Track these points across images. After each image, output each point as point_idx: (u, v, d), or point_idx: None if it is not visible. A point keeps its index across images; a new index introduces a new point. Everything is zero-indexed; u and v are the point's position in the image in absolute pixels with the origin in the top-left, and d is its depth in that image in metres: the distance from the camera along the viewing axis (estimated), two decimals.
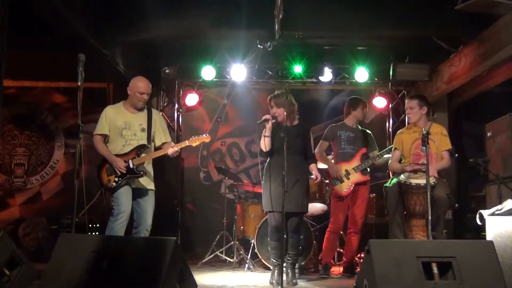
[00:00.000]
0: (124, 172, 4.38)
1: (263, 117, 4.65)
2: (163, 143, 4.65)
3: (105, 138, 4.53)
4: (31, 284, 3.57)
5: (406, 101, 5.22)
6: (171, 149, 4.47)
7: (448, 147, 4.86)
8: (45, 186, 7.76)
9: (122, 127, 4.49)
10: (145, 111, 4.63)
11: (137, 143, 4.49)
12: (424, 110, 4.94)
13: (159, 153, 4.54)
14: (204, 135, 4.65)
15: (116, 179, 4.38)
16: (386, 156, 5.39)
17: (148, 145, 4.53)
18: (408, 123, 5.15)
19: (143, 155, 4.46)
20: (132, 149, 4.46)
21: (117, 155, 4.42)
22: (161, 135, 4.66)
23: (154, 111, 4.72)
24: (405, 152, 4.96)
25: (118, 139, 4.49)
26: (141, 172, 4.45)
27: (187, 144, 4.58)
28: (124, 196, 4.38)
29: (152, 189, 4.58)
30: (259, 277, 5.25)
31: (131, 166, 4.39)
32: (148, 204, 4.51)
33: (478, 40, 5.75)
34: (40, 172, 7.79)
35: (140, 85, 4.54)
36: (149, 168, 4.60)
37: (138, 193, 4.50)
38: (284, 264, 4.64)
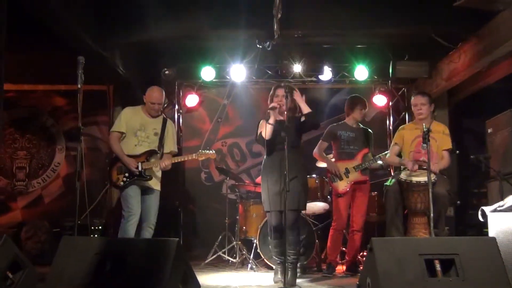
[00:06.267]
0: (136, 172, 4.65)
1: (271, 105, 4.61)
2: (171, 151, 4.93)
3: (122, 135, 4.78)
4: (34, 287, 3.57)
5: (415, 97, 5.05)
6: (163, 163, 4.73)
7: (449, 147, 4.86)
8: (47, 189, 7.75)
9: (137, 128, 4.78)
10: (161, 118, 4.92)
11: (148, 146, 4.77)
12: (432, 108, 5.00)
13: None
14: (211, 151, 4.98)
15: (125, 179, 4.67)
16: (378, 162, 5.47)
17: (158, 152, 4.80)
18: (409, 120, 5.16)
19: (152, 160, 4.74)
20: (143, 152, 4.74)
21: (128, 155, 4.69)
22: (171, 144, 4.94)
23: (169, 121, 5.00)
24: (405, 148, 4.95)
25: (131, 138, 4.77)
26: (148, 176, 4.72)
27: (194, 157, 4.91)
28: (133, 198, 4.65)
29: (158, 190, 4.84)
30: (262, 277, 5.25)
31: (140, 169, 4.66)
32: (153, 203, 4.78)
33: (477, 36, 5.74)
34: (41, 175, 7.79)
35: (152, 95, 4.85)
36: (158, 172, 4.83)
37: (145, 191, 4.77)
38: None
